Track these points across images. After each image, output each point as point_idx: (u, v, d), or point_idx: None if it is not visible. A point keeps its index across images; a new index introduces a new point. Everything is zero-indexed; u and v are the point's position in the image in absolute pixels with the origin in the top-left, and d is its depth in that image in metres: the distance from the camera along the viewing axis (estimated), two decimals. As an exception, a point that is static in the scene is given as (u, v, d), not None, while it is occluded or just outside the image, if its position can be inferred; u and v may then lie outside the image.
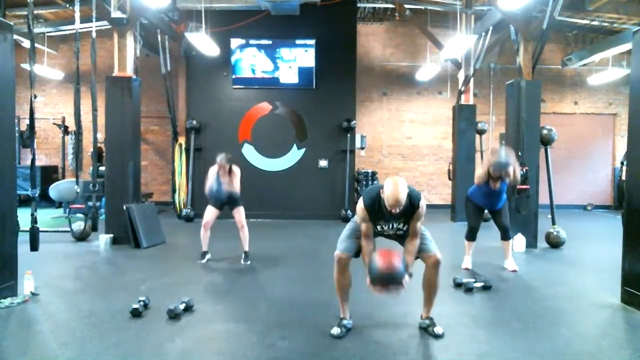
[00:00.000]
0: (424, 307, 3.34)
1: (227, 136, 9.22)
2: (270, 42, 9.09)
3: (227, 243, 5.94)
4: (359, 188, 9.62)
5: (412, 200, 3.06)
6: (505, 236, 5.13)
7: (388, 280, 2.88)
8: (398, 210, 2.99)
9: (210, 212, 5.32)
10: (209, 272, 5.09)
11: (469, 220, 5.26)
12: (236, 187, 5.27)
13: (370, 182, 9.64)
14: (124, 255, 5.87)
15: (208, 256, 5.40)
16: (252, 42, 9.09)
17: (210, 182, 5.27)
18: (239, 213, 5.34)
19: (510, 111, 6.72)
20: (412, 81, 10.78)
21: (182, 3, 8.02)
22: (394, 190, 2.94)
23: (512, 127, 6.56)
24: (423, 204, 3.13)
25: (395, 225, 3.19)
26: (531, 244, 6.27)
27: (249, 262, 5.30)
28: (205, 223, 5.32)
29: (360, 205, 3.16)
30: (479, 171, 5.09)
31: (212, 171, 5.30)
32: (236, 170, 5.31)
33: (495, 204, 5.10)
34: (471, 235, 5.21)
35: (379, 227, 3.21)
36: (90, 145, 7.10)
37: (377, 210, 3.10)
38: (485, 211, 5.30)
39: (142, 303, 3.60)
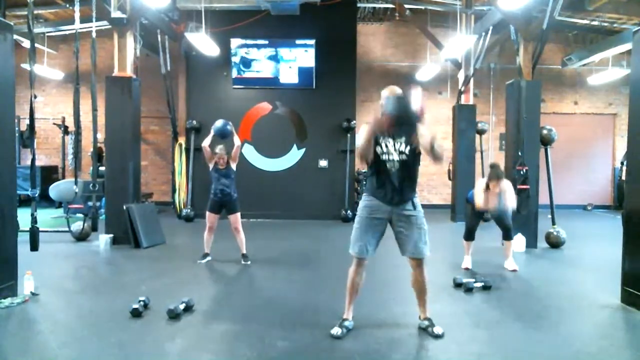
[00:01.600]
0: (419, 308, 3.35)
1: (227, 136, 9.21)
2: (270, 42, 9.09)
3: (227, 243, 5.93)
4: (359, 188, 9.61)
5: (409, 112, 2.92)
6: (507, 236, 5.13)
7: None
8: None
9: (211, 218, 5.35)
10: (209, 272, 5.09)
11: (467, 220, 5.30)
12: (237, 143, 5.36)
13: (370, 182, 9.62)
14: (124, 255, 5.87)
15: (208, 258, 5.41)
16: (252, 42, 9.09)
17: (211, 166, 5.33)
18: (235, 218, 5.36)
19: (510, 111, 6.72)
20: (412, 81, 10.78)
21: (182, 3, 8.02)
22: (391, 94, 3.00)
23: (512, 127, 6.56)
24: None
25: (397, 146, 3.07)
26: (531, 244, 6.27)
27: (248, 263, 5.31)
28: (209, 227, 5.36)
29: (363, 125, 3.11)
30: (478, 186, 5.09)
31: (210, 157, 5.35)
32: (237, 140, 5.43)
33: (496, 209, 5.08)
34: (469, 235, 5.22)
35: (383, 146, 3.09)
36: (90, 145, 7.11)
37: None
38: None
39: (142, 303, 3.60)
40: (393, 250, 3.38)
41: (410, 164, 3.11)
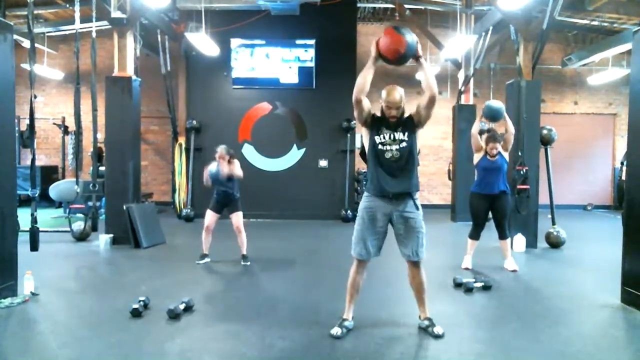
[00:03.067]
0: (419, 308, 3.35)
1: (227, 136, 9.19)
2: (270, 42, 9.09)
3: (227, 243, 5.94)
4: (359, 188, 9.61)
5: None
6: (502, 235, 5.12)
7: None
8: (397, 112, 3.12)
9: (210, 216, 5.32)
10: (209, 272, 5.09)
11: (474, 218, 5.23)
12: (237, 173, 5.25)
13: (370, 182, 9.62)
14: (124, 255, 5.87)
15: (207, 259, 5.37)
16: (252, 42, 9.09)
17: (210, 167, 5.28)
18: (237, 217, 5.33)
19: (510, 111, 6.68)
20: (412, 81, 10.77)
21: (182, 3, 8.02)
22: (390, 89, 3.16)
23: (512, 127, 6.56)
24: None
25: (397, 136, 3.14)
26: (531, 244, 6.27)
27: (248, 263, 5.29)
28: (206, 227, 5.32)
29: None
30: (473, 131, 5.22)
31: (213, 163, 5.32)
32: (235, 161, 5.32)
33: (496, 184, 5.05)
34: (475, 234, 5.20)
35: (382, 137, 3.16)
36: (90, 145, 7.10)
37: (380, 118, 3.20)
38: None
39: (142, 303, 3.60)
40: (393, 250, 3.38)
41: (409, 152, 3.16)
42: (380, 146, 3.16)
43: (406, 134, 3.16)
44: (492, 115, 5.16)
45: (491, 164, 5.06)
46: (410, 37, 2.99)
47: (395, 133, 3.16)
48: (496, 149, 5.02)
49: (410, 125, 3.19)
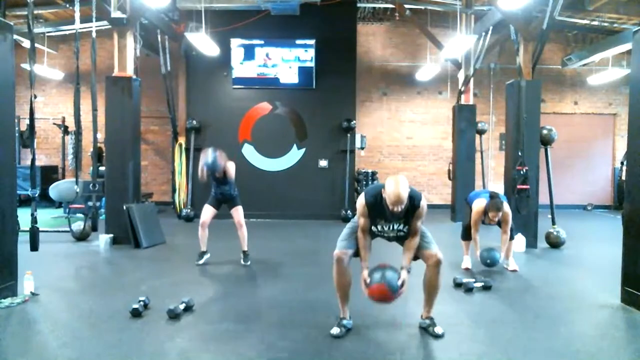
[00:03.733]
0: (425, 307, 3.34)
1: (227, 136, 9.22)
2: (270, 42, 9.09)
3: (227, 243, 5.94)
4: (359, 188, 9.61)
5: (413, 201, 3.05)
6: (509, 236, 5.11)
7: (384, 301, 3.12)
8: (400, 209, 2.96)
9: (208, 212, 5.26)
10: (209, 272, 5.08)
11: (464, 221, 5.27)
12: (231, 173, 5.19)
13: (370, 182, 9.63)
14: (124, 255, 5.87)
15: (206, 256, 5.33)
16: (252, 42, 9.09)
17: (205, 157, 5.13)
18: (237, 212, 5.31)
19: (510, 111, 6.72)
20: (412, 81, 10.79)
21: (182, 3, 8.02)
22: (395, 189, 2.93)
23: (512, 127, 6.56)
24: (424, 204, 3.13)
25: (395, 227, 3.17)
26: (531, 244, 6.27)
27: (248, 263, 5.28)
28: (202, 222, 5.25)
29: (361, 201, 3.16)
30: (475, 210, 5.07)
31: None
32: (230, 165, 5.22)
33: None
34: (465, 235, 5.22)
35: (379, 227, 3.19)
36: (90, 145, 7.11)
37: (378, 209, 3.09)
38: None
39: (142, 303, 3.60)
40: (393, 250, 3.38)
41: (406, 236, 3.22)
42: (377, 232, 3.24)
43: (405, 227, 3.18)
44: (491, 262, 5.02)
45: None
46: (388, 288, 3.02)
47: (394, 224, 3.17)
48: (498, 217, 4.88)
49: (409, 219, 3.14)
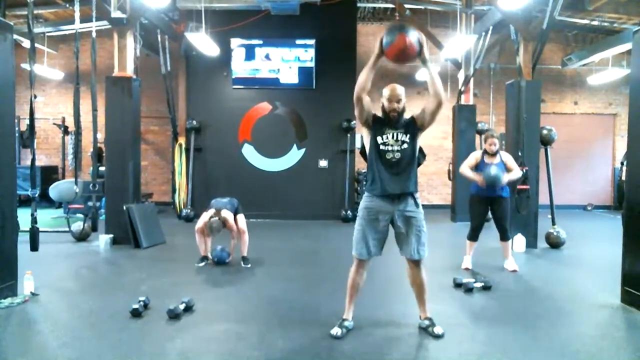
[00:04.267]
0: (419, 307, 3.36)
1: (227, 136, 9.22)
2: (270, 42, 9.09)
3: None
4: (359, 188, 9.61)
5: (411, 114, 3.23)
6: (504, 237, 5.12)
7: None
8: (398, 107, 3.13)
9: (205, 218, 5.18)
10: (209, 272, 5.08)
11: (473, 219, 5.23)
12: (243, 228, 5.24)
13: (370, 182, 9.61)
14: (124, 255, 5.87)
15: (207, 261, 5.28)
16: (252, 42, 9.09)
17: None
18: (240, 220, 5.28)
19: (510, 111, 6.72)
20: (412, 81, 10.78)
21: (182, 3, 8.02)
22: (391, 85, 3.21)
23: (512, 127, 6.56)
24: None
25: (399, 137, 3.15)
26: (531, 244, 6.27)
27: (249, 266, 5.21)
28: (198, 228, 5.17)
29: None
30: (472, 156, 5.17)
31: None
32: (241, 216, 5.28)
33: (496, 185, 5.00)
34: (474, 235, 5.20)
35: (384, 137, 3.16)
36: (90, 145, 7.11)
37: (380, 118, 3.21)
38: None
39: (142, 303, 3.60)
40: (393, 250, 3.38)
41: (410, 153, 3.16)
42: (382, 146, 3.16)
43: (408, 135, 3.16)
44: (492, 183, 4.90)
45: (489, 166, 5.00)
46: (415, 38, 2.90)
47: (398, 134, 3.16)
48: (494, 144, 4.98)
49: (413, 127, 3.19)
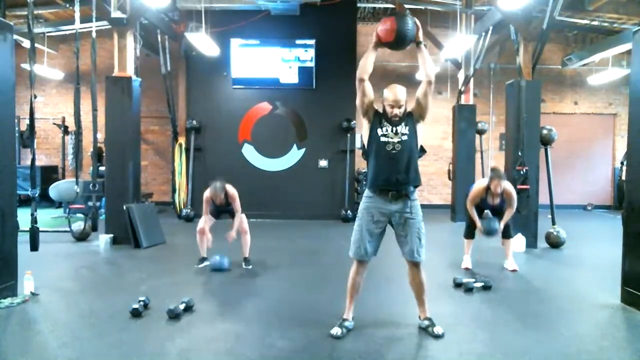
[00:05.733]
0: (419, 308, 3.36)
1: (227, 136, 9.22)
2: (270, 42, 9.09)
3: (226, 244, 5.92)
4: (359, 188, 9.61)
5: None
6: (506, 234, 5.11)
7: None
8: (399, 110, 3.16)
9: (207, 218, 5.16)
10: (209, 272, 5.06)
11: (467, 217, 5.24)
12: (238, 208, 5.16)
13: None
14: (124, 255, 5.87)
15: (206, 262, 5.20)
16: (252, 42, 9.09)
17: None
18: (243, 220, 5.25)
19: (510, 111, 6.72)
20: (412, 81, 10.76)
21: (182, 3, 8.02)
22: (392, 87, 3.23)
23: (512, 127, 6.56)
24: None
25: (399, 130, 3.18)
26: (531, 244, 6.27)
27: (250, 267, 5.18)
28: (199, 229, 5.14)
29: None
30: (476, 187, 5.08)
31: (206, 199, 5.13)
32: (232, 192, 5.14)
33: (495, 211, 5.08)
34: (470, 233, 5.21)
35: (384, 129, 3.19)
36: (90, 145, 7.10)
37: (380, 113, 3.24)
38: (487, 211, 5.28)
39: (142, 303, 3.60)
40: (393, 250, 3.38)
41: (410, 145, 3.18)
42: (382, 138, 3.18)
43: (407, 128, 3.19)
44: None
45: (492, 206, 5.01)
46: (406, 22, 3.13)
47: (398, 127, 3.18)
48: (500, 187, 4.82)
49: (412, 119, 3.23)
